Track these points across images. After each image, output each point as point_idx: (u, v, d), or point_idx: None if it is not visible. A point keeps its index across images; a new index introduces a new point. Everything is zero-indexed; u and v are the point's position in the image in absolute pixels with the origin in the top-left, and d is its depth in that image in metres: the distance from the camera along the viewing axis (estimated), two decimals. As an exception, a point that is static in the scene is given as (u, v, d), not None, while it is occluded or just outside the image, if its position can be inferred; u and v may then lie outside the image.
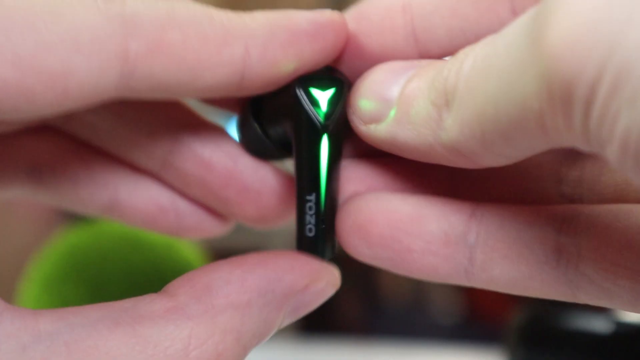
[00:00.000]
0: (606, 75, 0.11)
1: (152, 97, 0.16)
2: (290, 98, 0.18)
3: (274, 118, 0.19)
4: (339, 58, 0.19)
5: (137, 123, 0.20)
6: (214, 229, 0.22)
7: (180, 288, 0.17)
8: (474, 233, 0.17)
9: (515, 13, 0.17)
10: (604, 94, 0.11)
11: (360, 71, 0.18)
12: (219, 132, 0.21)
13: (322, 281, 0.18)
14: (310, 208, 0.18)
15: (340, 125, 0.18)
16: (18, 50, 0.14)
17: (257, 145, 0.20)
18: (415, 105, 0.16)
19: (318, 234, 0.18)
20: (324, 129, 0.18)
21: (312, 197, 0.18)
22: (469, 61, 0.15)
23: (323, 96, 0.18)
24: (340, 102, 0.18)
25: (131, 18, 0.15)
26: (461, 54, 0.15)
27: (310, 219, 0.18)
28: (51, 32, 0.14)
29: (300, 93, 0.18)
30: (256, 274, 0.17)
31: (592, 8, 0.11)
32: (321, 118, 0.18)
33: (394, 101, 0.17)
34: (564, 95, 0.12)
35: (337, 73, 0.19)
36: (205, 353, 0.16)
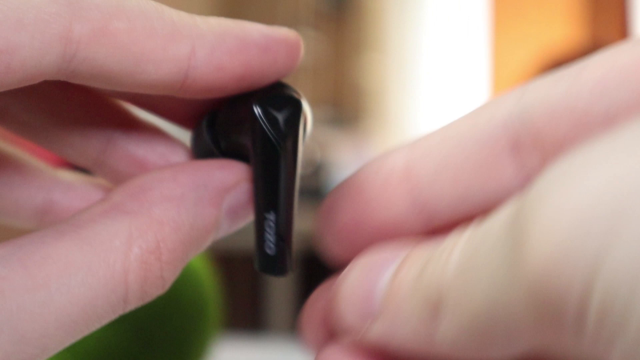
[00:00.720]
0: (593, 299, 0.10)
1: (94, 84, 0.17)
2: (246, 115, 0.18)
3: (228, 134, 0.19)
4: (337, 233, 0.18)
5: (70, 122, 0.20)
6: None
7: (114, 192, 0.18)
8: None
9: (520, 173, 0.16)
10: (594, 318, 0.11)
11: (360, 246, 0.18)
12: (154, 132, 0.21)
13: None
14: (269, 226, 0.18)
15: (297, 144, 0.18)
16: None
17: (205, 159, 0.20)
18: (405, 308, 0.15)
19: (278, 252, 0.18)
20: (282, 148, 0.18)
21: (271, 216, 0.18)
22: (454, 257, 0.14)
23: (280, 115, 0.18)
24: (297, 121, 0.18)
25: (78, 1, 0.15)
26: (448, 243, 0.14)
27: (269, 237, 0.18)
28: None
29: (258, 111, 0.18)
30: (187, 172, 0.18)
31: (572, 222, 0.11)
32: (279, 138, 0.18)
33: (378, 307, 0.16)
34: (553, 318, 0.11)
35: (290, 90, 0.19)
36: (146, 242, 0.17)
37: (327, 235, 0.19)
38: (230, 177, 0.19)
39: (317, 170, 2.11)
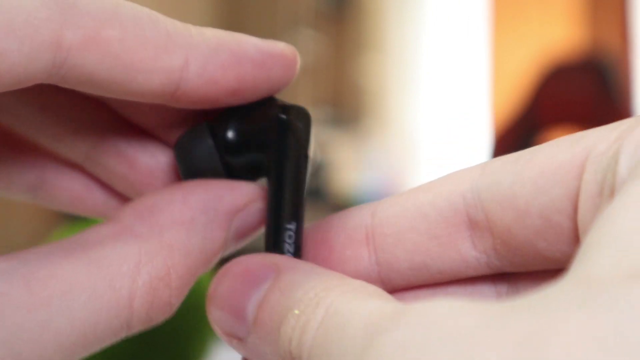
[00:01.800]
0: None
1: (84, 90, 0.16)
2: (270, 125, 0.18)
3: (244, 143, 0.19)
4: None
5: (63, 118, 0.20)
6: None
7: (124, 213, 0.17)
8: None
9: (475, 248, 0.17)
10: None
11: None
12: (144, 134, 0.21)
13: (261, 202, 0.19)
14: (289, 237, 0.18)
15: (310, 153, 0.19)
16: None
17: (202, 167, 0.19)
18: (269, 343, 0.15)
19: None
20: (307, 157, 0.18)
21: (292, 226, 0.18)
22: (313, 325, 0.14)
23: (302, 125, 0.18)
24: (310, 130, 0.18)
25: (70, 7, 0.15)
26: (311, 305, 0.14)
27: (289, 247, 0.18)
28: None
29: (286, 121, 0.18)
30: (197, 194, 0.18)
31: None
32: (306, 147, 0.18)
33: (249, 324, 0.16)
34: None
35: (283, 103, 0.19)
36: (155, 269, 0.16)
37: None
38: (240, 199, 0.18)
39: (317, 170, 2.11)
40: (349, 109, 2.51)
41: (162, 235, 0.17)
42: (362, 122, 2.55)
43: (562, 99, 1.28)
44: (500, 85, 2.55)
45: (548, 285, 0.11)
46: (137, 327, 0.16)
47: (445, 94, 2.67)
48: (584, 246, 0.12)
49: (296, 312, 0.14)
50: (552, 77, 1.28)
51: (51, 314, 0.15)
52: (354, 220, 0.18)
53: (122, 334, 0.16)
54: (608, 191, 0.13)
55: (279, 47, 0.18)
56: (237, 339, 0.16)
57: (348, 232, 0.18)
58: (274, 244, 0.18)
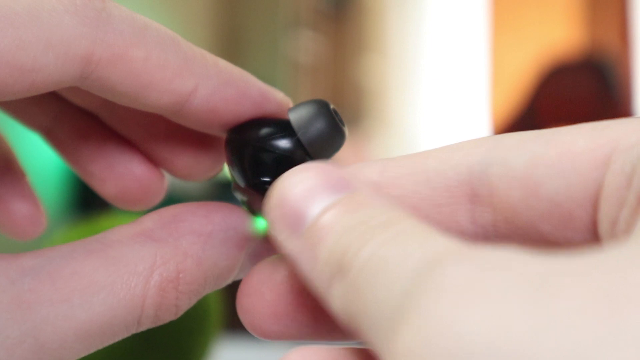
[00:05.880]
0: None
1: (98, 94, 0.18)
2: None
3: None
4: None
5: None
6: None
7: (148, 217, 0.18)
8: None
9: (474, 223, 0.16)
10: None
11: None
12: (127, 144, 0.23)
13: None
14: None
15: None
16: None
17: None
18: (318, 252, 0.15)
19: None
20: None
21: None
22: (366, 252, 0.13)
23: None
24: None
25: (104, 24, 0.17)
26: (380, 225, 0.14)
27: None
28: (27, 32, 0.15)
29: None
30: (221, 212, 0.19)
31: None
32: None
33: (304, 226, 0.15)
34: None
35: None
36: (167, 271, 0.17)
37: None
38: (260, 225, 0.19)
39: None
40: (349, 109, 2.51)
41: (178, 241, 0.18)
42: (362, 123, 2.55)
43: (562, 99, 1.28)
44: (500, 85, 2.55)
45: (610, 246, 0.12)
46: (146, 325, 0.17)
47: (445, 94, 2.68)
48: None
49: (362, 227, 0.14)
50: (552, 77, 1.28)
51: (73, 308, 0.16)
52: (363, 174, 0.18)
53: (133, 330, 0.17)
54: (639, 183, 0.14)
55: (278, 95, 0.20)
56: (288, 231, 0.15)
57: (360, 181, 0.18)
58: None
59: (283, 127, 0.19)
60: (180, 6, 1.77)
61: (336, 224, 0.15)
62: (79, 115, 0.22)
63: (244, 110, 0.19)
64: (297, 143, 0.19)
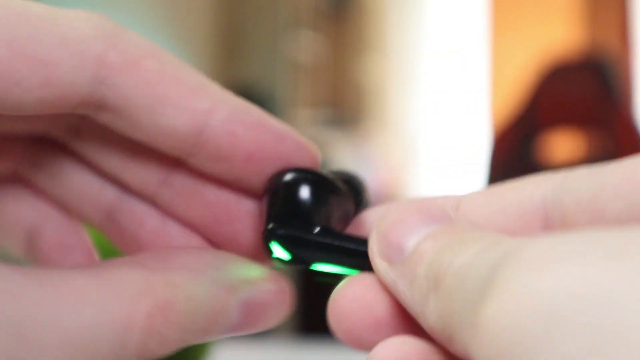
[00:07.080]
0: None
1: (116, 123, 0.18)
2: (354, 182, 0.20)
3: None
4: None
5: (132, 147, 0.21)
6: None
7: (142, 253, 0.19)
8: None
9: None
10: None
11: None
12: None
13: (274, 282, 0.19)
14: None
15: None
16: (14, 36, 0.16)
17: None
18: (416, 270, 0.16)
19: None
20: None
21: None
22: (459, 261, 0.14)
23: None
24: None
25: (117, 34, 0.17)
26: (478, 245, 0.15)
27: None
28: (42, 27, 0.16)
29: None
30: (214, 254, 0.19)
31: (511, 327, 0.11)
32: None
33: (403, 257, 0.16)
34: None
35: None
36: (158, 299, 0.17)
37: None
38: (254, 273, 0.19)
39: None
40: (349, 109, 2.51)
41: (170, 272, 0.18)
42: (362, 123, 2.55)
43: (562, 99, 1.28)
44: (499, 86, 2.55)
45: None
46: (132, 351, 0.17)
47: (445, 95, 2.68)
48: None
49: (458, 244, 0.15)
50: (552, 77, 1.28)
51: (58, 313, 0.16)
52: (444, 201, 0.18)
53: (116, 353, 0.17)
54: None
55: (294, 132, 0.19)
56: (388, 262, 0.17)
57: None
58: None
59: (349, 185, 0.20)
60: (181, 6, 1.77)
61: (435, 246, 0.15)
62: (136, 201, 0.22)
63: (266, 139, 0.18)
64: (357, 206, 0.20)
